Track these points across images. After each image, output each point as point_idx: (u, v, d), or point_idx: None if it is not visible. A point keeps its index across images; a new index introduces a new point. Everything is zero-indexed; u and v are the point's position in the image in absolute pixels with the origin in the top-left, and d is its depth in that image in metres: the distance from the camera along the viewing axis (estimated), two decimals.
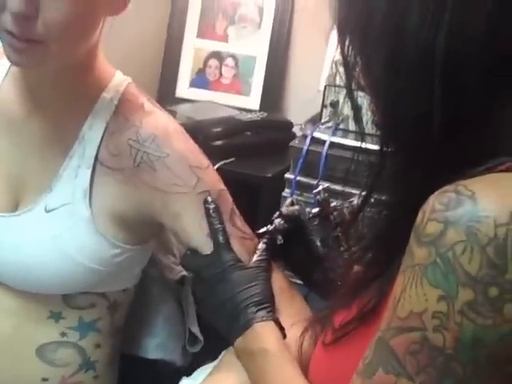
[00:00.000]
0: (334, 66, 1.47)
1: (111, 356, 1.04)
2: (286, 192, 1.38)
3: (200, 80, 1.82)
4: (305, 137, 1.39)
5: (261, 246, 0.91)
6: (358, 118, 0.69)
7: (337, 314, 0.74)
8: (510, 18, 0.59)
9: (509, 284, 0.53)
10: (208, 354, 1.06)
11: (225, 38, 1.81)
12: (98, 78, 0.95)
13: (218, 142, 1.49)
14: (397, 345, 0.57)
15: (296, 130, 1.66)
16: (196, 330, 1.08)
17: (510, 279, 0.52)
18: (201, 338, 1.08)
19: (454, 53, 0.59)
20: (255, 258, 0.89)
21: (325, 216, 0.95)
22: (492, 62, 0.59)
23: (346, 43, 0.67)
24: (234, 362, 0.86)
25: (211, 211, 0.89)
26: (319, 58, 1.72)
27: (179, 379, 1.09)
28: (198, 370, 0.96)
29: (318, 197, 0.96)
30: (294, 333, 0.85)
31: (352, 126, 1.41)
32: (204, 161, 0.94)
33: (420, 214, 0.58)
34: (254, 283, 0.86)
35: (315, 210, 0.95)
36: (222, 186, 0.94)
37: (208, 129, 1.50)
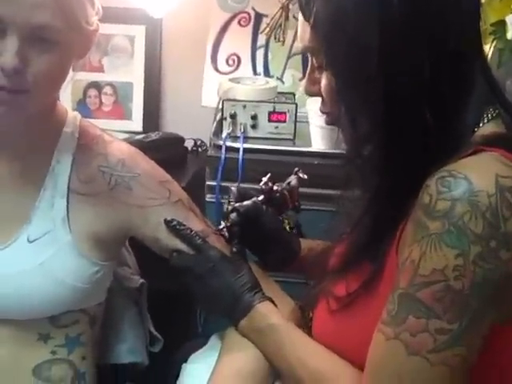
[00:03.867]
0: (228, 82, 1.63)
1: (94, 366, 1.12)
2: (209, 197, 1.51)
3: (81, 110, 1.78)
4: (217, 147, 1.53)
5: (234, 240, 1.01)
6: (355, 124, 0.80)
7: (335, 286, 0.86)
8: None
9: (502, 236, 0.70)
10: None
11: (100, 69, 1.90)
12: (58, 114, 1.03)
13: None
14: (424, 295, 0.72)
15: (186, 144, 1.80)
16: (153, 330, 1.19)
17: (503, 232, 0.70)
18: (160, 337, 1.18)
19: None
20: (234, 250, 0.99)
21: (269, 201, 1.07)
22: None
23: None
24: (242, 341, 0.93)
25: (177, 226, 0.98)
26: (196, 76, 1.86)
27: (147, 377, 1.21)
28: (193, 356, 1.02)
29: (263, 187, 1.06)
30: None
31: (252, 133, 1.58)
32: (167, 175, 1.05)
33: (426, 197, 0.72)
34: (242, 272, 0.96)
35: (260, 197, 1.06)
36: (186, 195, 1.05)
37: None
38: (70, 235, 0.99)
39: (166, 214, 1.00)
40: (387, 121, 0.77)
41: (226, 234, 1.03)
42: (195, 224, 1.01)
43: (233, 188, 1.09)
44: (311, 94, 0.89)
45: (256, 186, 1.08)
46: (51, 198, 0.99)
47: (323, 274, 0.92)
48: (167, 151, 1.65)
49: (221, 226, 1.03)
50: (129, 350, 1.16)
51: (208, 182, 1.54)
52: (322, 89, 0.85)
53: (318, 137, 1.52)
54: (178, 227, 0.98)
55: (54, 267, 0.98)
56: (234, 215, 1.03)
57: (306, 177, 1.11)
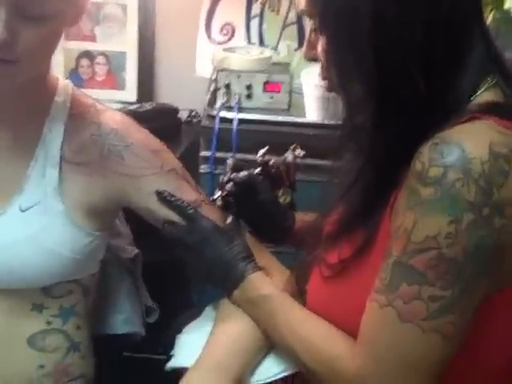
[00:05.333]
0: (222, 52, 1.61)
1: (89, 336, 1.12)
2: (203, 168, 1.51)
3: (74, 80, 1.72)
4: (211, 117, 1.51)
5: (229, 210, 1.01)
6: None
7: (328, 254, 0.87)
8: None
9: (495, 203, 0.70)
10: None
11: (93, 38, 1.89)
12: (49, 83, 1.02)
13: None
14: (417, 263, 0.72)
15: (180, 115, 1.81)
16: (150, 301, 1.20)
17: (496, 200, 0.70)
18: (155, 307, 1.19)
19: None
20: (228, 220, 0.99)
21: (265, 174, 1.07)
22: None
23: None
24: (236, 311, 0.94)
25: (167, 197, 0.97)
26: (190, 46, 1.84)
27: (142, 348, 1.22)
28: (188, 327, 1.03)
29: (260, 159, 1.07)
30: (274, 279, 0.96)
31: (247, 103, 1.57)
32: (160, 144, 1.04)
33: (419, 164, 0.72)
34: (236, 242, 0.96)
35: (256, 170, 1.06)
36: (180, 163, 1.04)
37: None
38: (62, 205, 0.99)
39: (158, 183, 1.00)
40: (379, 86, 0.77)
41: (221, 204, 1.03)
42: (188, 194, 1.01)
43: (229, 160, 1.08)
44: (310, 59, 0.89)
45: (250, 157, 1.09)
46: (43, 168, 0.99)
47: (316, 243, 0.92)
48: (161, 122, 1.64)
49: (215, 196, 1.03)
50: (124, 321, 1.17)
51: (202, 153, 1.55)
52: (319, 53, 0.85)
53: (313, 108, 1.52)
54: (169, 198, 0.98)
55: (47, 237, 0.98)
56: (229, 185, 1.03)
57: (302, 154, 1.10)
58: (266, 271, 0.97)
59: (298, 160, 1.10)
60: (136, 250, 1.20)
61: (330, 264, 0.86)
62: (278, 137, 1.43)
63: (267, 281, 0.95)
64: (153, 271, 1.20)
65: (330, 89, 0.88)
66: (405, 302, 0.73)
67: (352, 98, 0.81)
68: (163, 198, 0.98)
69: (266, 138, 1.33)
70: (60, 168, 0.99)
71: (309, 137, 1.45)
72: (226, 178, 1.04)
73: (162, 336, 1.15)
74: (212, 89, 1.61)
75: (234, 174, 1.04)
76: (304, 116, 1.56)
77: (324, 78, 0.87)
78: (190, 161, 1.44)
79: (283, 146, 1.13)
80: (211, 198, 1.03)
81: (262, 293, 0.92)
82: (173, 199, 0.98)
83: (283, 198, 1.12)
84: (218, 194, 1.03)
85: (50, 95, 1.02)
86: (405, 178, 0.76)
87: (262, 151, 1.07)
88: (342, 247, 0.85)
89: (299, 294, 0.96)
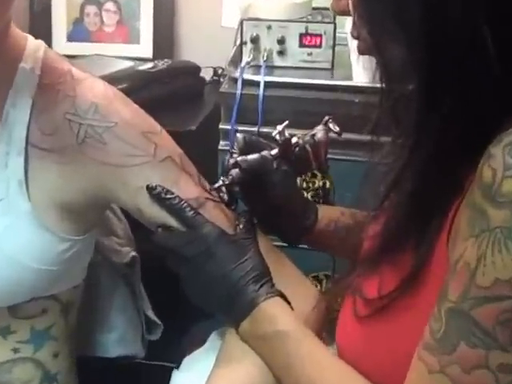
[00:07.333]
0: None
1: (70, 363, 1.03)
2: (222, 145, 1.37)
3: (78, 31, 1.79)
4: (234, 80, 1.38)
5: (243, 212, 0.91)
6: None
7: (365, 282, 0.76)
8: None
9: None
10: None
11: None
12: (13, 46, 0.91)
13: None
14: (482, 315, 0.60)
15: (204, 74, 1.67)
16: (151, 314, 1.10)
17: None
18: (159, 322, 1.09)
19: None
20: (240, 224, 0.88)
21: (285, 157, 0.96)
22: None
23: None
24: (243, 347, 0.85)
25: (162, 194, 0.88)
26: None
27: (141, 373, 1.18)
28: (187, 360, 0.96)
29: (278, 137, 0.95)
30: (296, 305, 0.86)
31: (279, 62, 1.44)
32: (155, 124, 0.93)
33: (487, 171, 0.60)
34: (247, 256, 0.85)
35: (274, 151, 0.95)
36: (180, 149, 0.93)
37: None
38: (28, 203, 0.89)
39: (149, 175, 0.89)
40: (429, 46, 0.65)
41: (226, 195, 0.93)
42: (188, 189, 0.90)
43: (239, 135, 0.99)
44: (339, 12, 0.85)
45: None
46: (4, 156, 0.89)
47: (352, 264, 0.84)
48: (178, 83, 1.56)
49: (217, 185, 0.93)
50: (118, 341, 1.11)
51: (221, 126, 1.40)
52: (349, 4, 0.77)
53: (362, 67, 1.38)
54: (163, 195, 0.88)
55: (9, 244, 0.89)
56: (235, 171, 0.93)
57: (337, 129, 0.99)
58: (286, 288, 0.87)
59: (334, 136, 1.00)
60: (133, 253, 1.10)
61: (367, 299, 0.75)
62: (318, 105, 1.31)
63: (286, 311, 0.84)
64: (157, 276, 1.06)
65: (363, 51, 0.80)
66: (464, 371, 0.62)
67: (391, 65, 0.72)
68: (156, 194, 0.88)
69: (302, 107, 1.28)
70: (26, 155, 0.89)
71: (355, 105, 1.29)
72: (231, 161, 0.94)
73: (168, 356, 1.10)
74: (237, 44, 1.48)
75: (242, 157, 0.94)
76: (351, 78, 1.44)
77: (356, 38, 0.80)
78: (211, 133, 1.43)
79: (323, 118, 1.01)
80: (212, 187, 0.93)
81: (276, 328, 0.82)
82: (168, 197, 0.87)
83: (310, 184, 1.07)
84: (220, 181, 0.93)
85: (14, 60, 0.91)
86: (468, 184, 0.64)
87: (279, 127, 0.95)
88: (383, 274, 0.74)
89: (331, 323, 0.88)
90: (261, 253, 0.88)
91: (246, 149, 0.97)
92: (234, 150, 0.97)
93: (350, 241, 0.90)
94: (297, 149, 0.97)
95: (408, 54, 0.68)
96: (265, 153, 0.95)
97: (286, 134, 0.96)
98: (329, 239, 1.00)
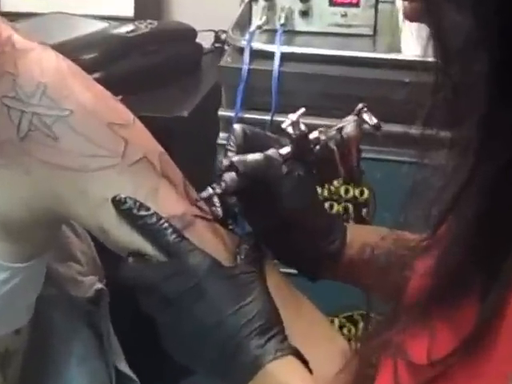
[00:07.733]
0: None
1: None
2: (222, 138, 1.33)
3: None
4: (239, 50, 1.32)
5: (245, 235, 0.88)
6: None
7: (411, 340, 0.73)
8: None
9: None
10: None
11: None
12: None
13: (95, 75, 1.36)
14: None
15: (201, 40, 1.66)
16: (125, 366, 1.10)
17: None
18: (134, 377, 1.10)
19: None
20: (242, 252, 0.86)
21: (300, 158, 0.94)
22: None
23: None
24: None
25: (133, 209, 0.85)
26: None
27: None
28: None
29: (291, 131, 0.93)
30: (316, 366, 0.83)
31: (302, 26, 1.39)
32: (127, 113, 0.90)
33: None
34: (249, 298, 0.82)
35: (285, 150, 0.92)
36: (160, 147, 0.90)
37: (75, 55, 1.30)
38: None
39: (116, 183, 0.87)
40: (506, 16, 0.62)
41: (219, 207, 0.91)
42: (170, 203, 0.87)
43: (236, 126, 0.97)
44: None
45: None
46: None
47: (393, 312, 0.80)
48: (166, 52, 1.55)
49: (204, 194, 0.91)
50: None
51: (222, 112, 1.36)
52: None
53: (416, 35, 1.35)
54: (135, 212, 0.84)
55: None
56: (229, 176, 0.92)
57: (375, 121, 0.96)
58: (303, 342, 0.86)
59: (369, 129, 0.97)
60: (98, 284, 1.09)
61: (414, 364, 0.72)
62: (353, 86, 1.28)
63: (301, 375, 0.82)
64: (135, 315, 0.99)
65: (412, 16, 0.80)
66: None
67: (450, 39, 0.69)
68: (125, 210, 0.85)
69: (332, 89, 1.25)
70: None
71: (403, 86, 1.28)
72: (225, 162, 0.93)
73: None
74: (245, 1, 1.44)
75: (238, 157, 0.92)
76: (399, 48, 1.38)
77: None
78: (209, 121, 1.39)
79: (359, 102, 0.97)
80: (200, 196, 0.92)
81: None
82: (141, 214, 0.85)
83: (334, 200, 1.05)
84: (209, 189, 0.91)
85: None
86: None
87: (293, 116, 0.92)
88: (436, 330, 0.71)
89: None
90: (269, 292, 0.84)
91: (246, 145, 0.95)
92: (230, 147, 0.95)
93: (393, 276, 0.85)
94: (317, 147, 0.95)
95: (475, 26, 0.65)
96: (271, 152, 0.93)
97: (302, 126, 0.93)
98: (362, 271, 0.98)
